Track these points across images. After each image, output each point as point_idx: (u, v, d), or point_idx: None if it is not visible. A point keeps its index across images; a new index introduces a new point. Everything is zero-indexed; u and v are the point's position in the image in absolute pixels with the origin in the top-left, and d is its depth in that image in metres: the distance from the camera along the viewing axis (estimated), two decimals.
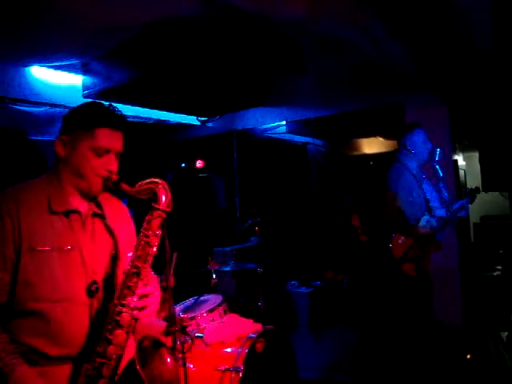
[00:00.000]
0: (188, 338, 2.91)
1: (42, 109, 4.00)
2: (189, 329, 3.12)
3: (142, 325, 3.10)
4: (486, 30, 4.00)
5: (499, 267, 6.64)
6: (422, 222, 3.60)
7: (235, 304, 3.69)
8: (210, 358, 2.95)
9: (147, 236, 1.67)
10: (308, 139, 7.22)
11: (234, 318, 3.34)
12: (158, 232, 1.69)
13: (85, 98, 4.12)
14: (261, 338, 2.97)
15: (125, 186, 1.69)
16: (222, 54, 3.58)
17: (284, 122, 6.13)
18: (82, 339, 1.63)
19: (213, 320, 3.23)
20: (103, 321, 1.63)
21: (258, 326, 3.17)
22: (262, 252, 5.14)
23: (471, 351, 3.99)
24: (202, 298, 3.52)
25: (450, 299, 4.77)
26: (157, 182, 1.67)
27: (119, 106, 4.74)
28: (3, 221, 1.58)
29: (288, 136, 6.77)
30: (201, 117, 5.18)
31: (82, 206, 1.75)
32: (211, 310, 3.25)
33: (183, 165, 6.59)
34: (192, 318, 3.19)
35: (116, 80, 3.90)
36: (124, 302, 1.62)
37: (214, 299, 3.44)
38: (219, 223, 5.83)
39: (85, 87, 4.08)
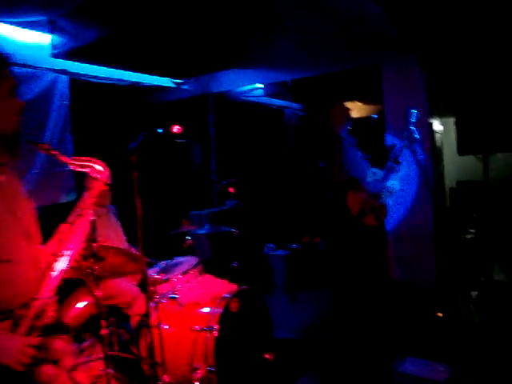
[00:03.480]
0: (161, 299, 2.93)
1: None
2: (164, 290, 3.12)
3: (116, 288, 3.10)
4: None
5: (473, 230, 6.77)
6: (369, 175, 3.69)
7: (211, 266, 3.68)
8: (184, 319, 2.95)
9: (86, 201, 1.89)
10: (286, 103, 7.14)
11: (209, 278, 3.34)
12: (95, 200, 1.91)
13: (54, 57, 3.98)
14: (235, 298, 2.97)
15: (62, 158, 1.84)
16: (193, 11, 3.48)
17: (261, 85, 6.04)
18: (25, 292, 1.70)
19: (188, 282, 3.23)
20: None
21: (233, 287, 3.17)
22: (238, 215, 5.14)
23: (443, 310, 4.08)
24: (177, 260, 3.52)
25: (425, 261, 4.84)
26: (95, 158, 1.92)
27: (91, 67, 4.62)
28: None
29: (265, 99, 6.68)
30: (175, 78, 5.07)
31: None
32: (186, 272, 3.24)
33: (160, 130, 6.46)
34: (167, 280, 3.18)
35: (85, 39, 3.77)
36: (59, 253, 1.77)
37: (189, 261, 3.43)
38: (195, 187, 5.78)
39: (53, 46, 3.94)
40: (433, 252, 4.83)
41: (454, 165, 9.21)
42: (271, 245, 5.71)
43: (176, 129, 6.83)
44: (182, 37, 3.78)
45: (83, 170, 1.88)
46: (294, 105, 7.40)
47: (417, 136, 3.65)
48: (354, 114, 8.24)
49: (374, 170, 3.79)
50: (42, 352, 1.60)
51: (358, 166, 3.80)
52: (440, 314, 4.11)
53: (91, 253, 2.44)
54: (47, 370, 1.67)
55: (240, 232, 3.78)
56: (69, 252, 1.78)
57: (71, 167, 1.88)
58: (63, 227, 1.86)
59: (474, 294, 4.69)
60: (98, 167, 1.89)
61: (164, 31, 3.65)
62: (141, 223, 2.36)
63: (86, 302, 2.66)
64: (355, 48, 4.70)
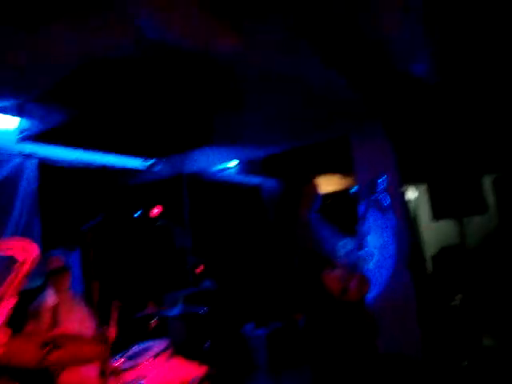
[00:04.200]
0: None
1: None
2: (130, 377, 2.92)
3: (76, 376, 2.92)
4: (426, 66, 4.12)
5: (459, 296, 6.66)
6: (340, 248, 3.59)
7: (183, 348, 3.49)
8: None
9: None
10: (262, 180, 7.17)
11: (178, 362, 3.15)
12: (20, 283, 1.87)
13: (21, 140, 3.99)
14: (206, 382, 2.78)
15: None
16: (158, 92, 3.55)
17: (234, 163, 6.09)
18: None
19: (157, 366, 3.04)
20: None
21: (203, 369, 2.98)
22: (214, 295, 4.99)
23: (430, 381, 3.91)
24: (147, 344, 3.33)
25: (408, 331, 4.70)
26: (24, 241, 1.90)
27: (60, 149, 4.61)
28: None
29: (241, 177, 6.72)
30: (146, 159, 5.09)
31: None
32: (155, 356, 3.06)
33: (138, 213, 6.44)
34: (135, 366, 2.99)
35: (53, 122, 3.80)
36: None
37: (158, 345, 3.25)
38: (171, 268, 5.65)
39: (21, 130, 3.96)
40: (415, 322, 4.69)
41: (435, 231, 9.24)
42: (250, 324, 5.50)
43: (155, 211, 6.79)
44: (148, 116, 3.83)
45: (9, 253, 1.85)
46: (270, 181, 7.43)
47: (386, 203, 3.61)
48: (332, 187, 8.35)
49: (345, 241, 3.70)
50: None
51: (328, 243, 3.71)
52: None
53: (49, 341, 2.32)
54: None
55: (216, 312, 3.63)
56: None
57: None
58: None
59: (464, 363, 4.54)
60: (26, 250, 1.86)
61: (130, 111, 3.69)
62: (97, 306, 2.25)
63: None
64: (324, 120, 4.80)
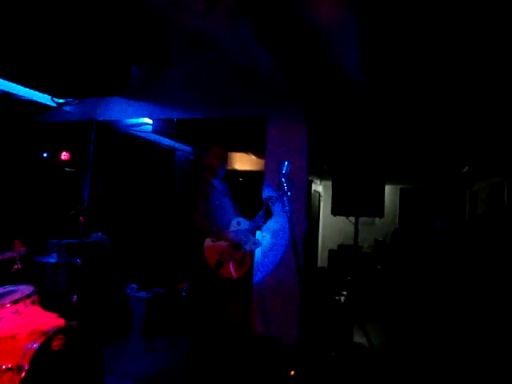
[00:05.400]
0: None
1: None
2: None
3: None
4: (356, 62, 4.16)
5: (345, 292, 6.95)
6: (233, 224, 3.61)
7: (51, 298, 3.33)
8: None
9: None
10: (176, 144, 7.02)
11: (37, 310, 2.99)
12: None
13: None
14: (60, 335, 2.65)
15: None
16: (75, 24, 3.31)
17: (149, 120, 5.90)
18: None
19: (17, 312, 2.87)
20: None
21: (60, 321, 2.85)
22: (103, 249, 4.83)
23: (297, 368, 4.02)
24: (12, 287, 3.14)
25: (288, 318, 4.81)
26: None
27: None
28: None
29: (155, 137, 6.53)
30: (55, 97, 4.78)
31: None
32: (15, 302, 2.88)
33: (45, 154, 6.10)
34: None
35: None
36: None
37: (23, 289, 3.07)
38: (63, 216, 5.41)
39: None
40: (297, 310, 4.81)
41: (337, 229, 9.60)
42: (134, 285, 5.39)
43: (64, 156, 6.41)
44: (61, 49, 3.56)
45: None
46: (185, 147, 7.30)
47: (285, 188, 3.59)
48: (248, 167, 8.33)
49: (240, 219, 3.69)
50: None
51: (223, 214, 3.68)
52: (292, 373, 4.04)
53: None
54: None
55: (98, 266, 3.49)
56: None
57: None
58: None
59: (332, 354, 4.74)
60: None
61: (41, 37, 3.43)
62: None
63: None
64: (243, 97, 4.74)
